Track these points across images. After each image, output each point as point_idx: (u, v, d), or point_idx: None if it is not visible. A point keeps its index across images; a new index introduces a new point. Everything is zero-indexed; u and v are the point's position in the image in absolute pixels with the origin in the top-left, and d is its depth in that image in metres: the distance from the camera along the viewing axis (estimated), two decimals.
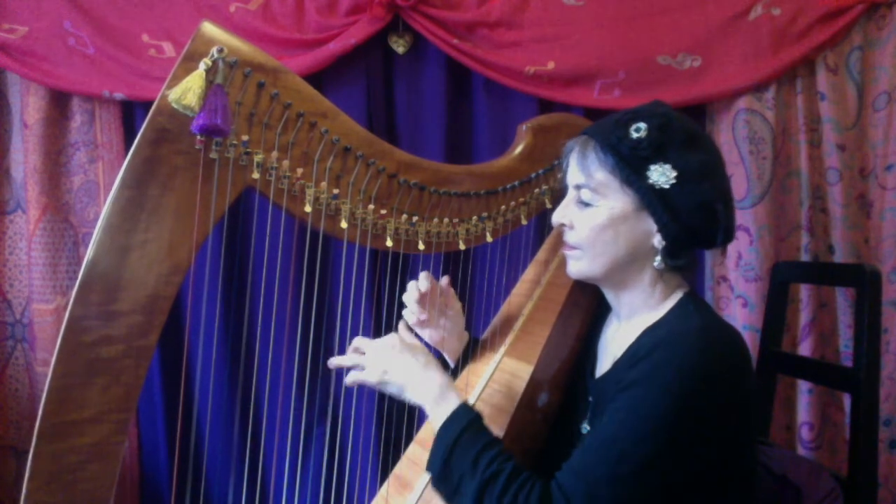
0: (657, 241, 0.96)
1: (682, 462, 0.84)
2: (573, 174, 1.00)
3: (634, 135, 0.93)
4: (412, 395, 0.97)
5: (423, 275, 1.18)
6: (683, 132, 0.96)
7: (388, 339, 1.01)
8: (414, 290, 1.18)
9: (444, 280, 1.22)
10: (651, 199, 0.93)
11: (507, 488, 0.85)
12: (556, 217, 1.02)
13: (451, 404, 0.94)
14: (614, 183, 0.95)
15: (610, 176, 0.95)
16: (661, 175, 0.92)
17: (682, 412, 0.83)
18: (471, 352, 1.25)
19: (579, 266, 1.02)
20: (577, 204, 0.99)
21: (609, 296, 1.07)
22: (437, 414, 0.94)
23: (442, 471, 0.90)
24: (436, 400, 0.95)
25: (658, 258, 0.97)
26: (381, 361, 0.98)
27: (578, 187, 0.99)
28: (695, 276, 1.75)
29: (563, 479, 0.85)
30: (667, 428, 0.83)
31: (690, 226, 0.95)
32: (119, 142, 1.71)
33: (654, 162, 0.93)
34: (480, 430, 0.92)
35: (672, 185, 0.92)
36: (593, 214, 0.97)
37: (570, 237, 1.01)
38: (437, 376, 0.97)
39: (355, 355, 1.02)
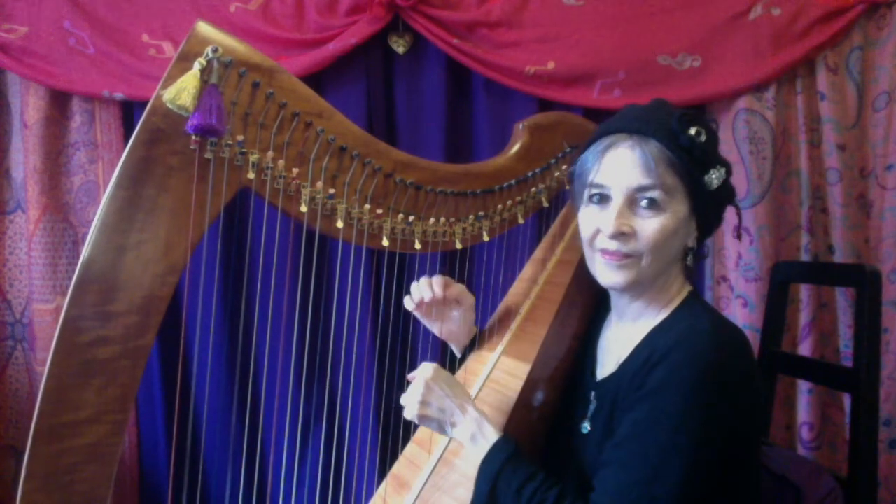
0: (692, 240, 0.98)
1: (710, 467, 0.85)
2: (631, 175, 0.92)
3: (700, 138, 0.92)
4: (450, 432, 0.98)
5: (437, 281, 1.17)
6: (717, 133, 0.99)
7: (423, 375, 0.98)
8: (427, 290, 1.17)
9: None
10: (706, 202, 0.95)
11: None
12: (616, 227, 0.92)
13: (489, 439, 0.95)
14: (682, 186, 0.92)
15: (678, 179, 0.92)
16: (716, 178, 0.94)
17: (706, 416, 0.84)
18: (476, 346, 1.25)
19: (630, 275, 0.94)
20: (634, 209, 0.93)
21: (623, 299, 1.03)
22: (477, 450, 0.95)
23: None
24: (473, 437, 0.96)
25: (689, 257, 0.99)
26: (418, 401, 0.97)
27: (643, 189, 0.92)
28: (695, 276, 1.75)
29: (600, 501, 0.86)
30: (694, 438, 0.83)
31: (715, 223, 1.00)
32: (119, 142, 1.71)
33: (713, 166, 0.94)
34: (520, 463, 0.92)
35: (718, 188, 0.94)
36: (662, 219, 0.92)
37: (628, 246, 0.93)
38: (472, 411, 0.97)
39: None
